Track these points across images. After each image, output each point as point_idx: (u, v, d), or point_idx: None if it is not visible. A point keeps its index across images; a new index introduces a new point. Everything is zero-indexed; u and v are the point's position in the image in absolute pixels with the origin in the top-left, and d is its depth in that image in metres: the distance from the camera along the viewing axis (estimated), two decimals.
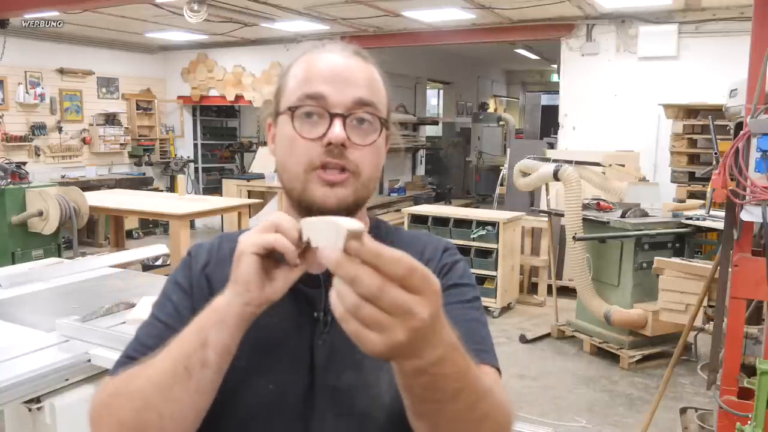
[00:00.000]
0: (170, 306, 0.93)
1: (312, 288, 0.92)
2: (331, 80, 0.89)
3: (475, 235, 5.81)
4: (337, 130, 0.86)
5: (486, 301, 5.76)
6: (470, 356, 0.71)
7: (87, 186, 7.72)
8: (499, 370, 0.92)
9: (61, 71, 8.75)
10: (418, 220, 6.20)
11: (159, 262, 6.12)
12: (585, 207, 4.86)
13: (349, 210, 0.90)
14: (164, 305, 0.93)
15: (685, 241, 4.69)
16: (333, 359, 0.90)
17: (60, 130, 8.75)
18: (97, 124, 9.24)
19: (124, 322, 2.03)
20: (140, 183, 9.40)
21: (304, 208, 0.90)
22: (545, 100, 15.42)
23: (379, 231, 1.01)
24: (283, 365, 0.90)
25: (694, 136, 5.96)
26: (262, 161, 9.04)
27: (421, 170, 12.28)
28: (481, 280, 5.88)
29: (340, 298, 0.61)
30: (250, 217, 6.54)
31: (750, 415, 2.23)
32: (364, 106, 0.89)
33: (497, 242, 5.69)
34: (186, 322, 0.81)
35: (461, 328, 0.76)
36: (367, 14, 7.09)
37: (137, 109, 9.82)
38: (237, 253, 0.77)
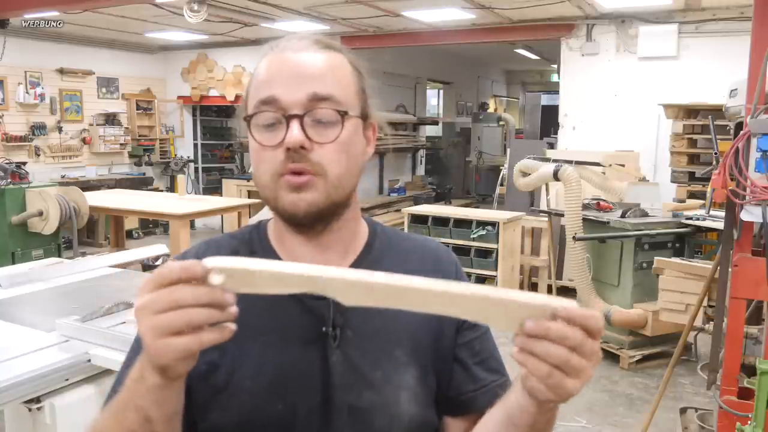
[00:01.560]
0: None
1: (317, 300, 0.86)
2: (283, 81, 0.84)
3: (475, 235, 5.80)
4: (295, 132, 0.81)
5: None
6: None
7: (87, 186, 7.72)
8: None
9: (61, 71, 8.75)
10: (418, 220, 6.20)
11: (159, 262, 6.11)
12: (585, 207, 4.85)
13: (322, 213, 0.86)
14: None
15: (685, 241, 4.69)
16: (352, 377, 0.87)
17: (60, 130, 8.74)
18: (97, 124, 9.24)
19: (124, 322, 2.03)
20: (140, 183, 9.40)
21: (280, 216, 0.88)
22: (545, 100, 15.43)
23: (375, 236, 0.97)
24: (292, 383, 0.86)
25: (694, 136, 5.96)
26: None
27: (421, 170, 12.29)
28: (481, 280, 5.87)
29: (545, 356, 0.66)
30: (249, 217, 6.54)
31: (750, 415, 2.23)
32: (320, 101, 0.83)
33: (497, 242, 5.69)
34: None
35: (496, 356, 0.98)
36: (367, 14, 7.09)
37: (137, 109, 9.82)
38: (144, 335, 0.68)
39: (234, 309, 0.68)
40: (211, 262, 0.67)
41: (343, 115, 0.85)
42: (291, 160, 0.82)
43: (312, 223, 0.87)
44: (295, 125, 0.82)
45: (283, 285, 0.68)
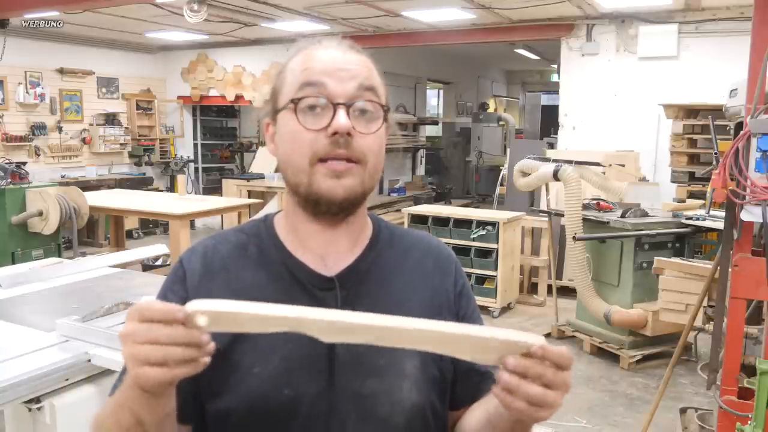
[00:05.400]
0: None
1: (324, 291, 0.91)
2: (330, 72, 0.88)
3: (475, 235, 5.80)
4: (342, 118, 0.85)
5: (486, 301, 5.76)
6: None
7: (87, 186, 7.72)
8: None
9: (61, 71, 8.75)
10: (418, 220, 6.19)
11: (159, 262, 6.12)
12: (585, 207, 4.85)
13: (356, 201, 0.90)
14: None
15: (685, 241, 4.69)
16: (356, 365, 0.89)
17: (60, 130, 8.74)
18: (97, 124, 9.24)
19: (124, 322, 2.03)
20: (140, 183, 9.40)
21: (312, 202, 0.89)
22: (545, 100, 15.44)
23: (380, 230, 1.01)
24: (299, 371, 0.88)
25: (694, 136, 5.95)
26: (262, 161, 9.04)
27: (421, 170, 12.27)
28: (481, 280, 5.88)
29: (523, 396, 0.74)
30: (249, 217, 6.54)
31: (750, 415, 2.23)
32: (366, 91, 0.88)
33: (497, 242, 5.69)
34: None
35: None
36: (367, 14, 7.09)
37: (137, 109, 9.81)
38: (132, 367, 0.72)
39: (211, 346, 0.72)
40: (195, 305, 0.70)
41: (386, 110, 0.91)
42: (336, 146, 0.86)
43: (343, 210, 0.90)
44: (342, 112, 0.86)
45: (267, 326, 0.72)
